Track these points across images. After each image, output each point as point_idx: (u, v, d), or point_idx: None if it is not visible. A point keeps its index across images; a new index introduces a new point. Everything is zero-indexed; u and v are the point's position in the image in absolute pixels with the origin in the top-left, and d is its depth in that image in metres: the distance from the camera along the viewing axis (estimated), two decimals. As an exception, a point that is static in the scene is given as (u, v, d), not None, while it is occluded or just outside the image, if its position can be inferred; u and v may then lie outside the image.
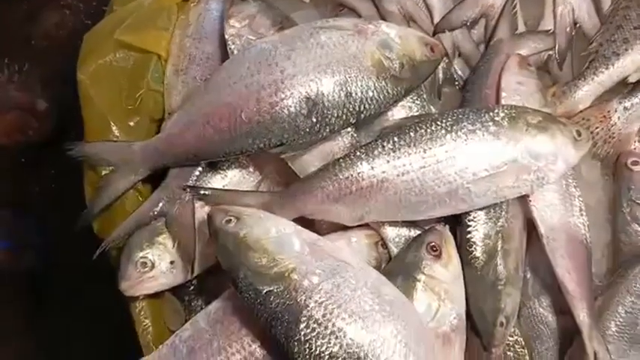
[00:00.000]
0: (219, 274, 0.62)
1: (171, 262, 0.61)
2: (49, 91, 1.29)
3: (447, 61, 0.77)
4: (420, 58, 0.63)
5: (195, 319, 0.57)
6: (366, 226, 0.64)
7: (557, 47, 0.78)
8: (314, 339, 0.50)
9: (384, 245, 0.63)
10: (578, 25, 0.78)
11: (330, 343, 0.50)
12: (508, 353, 0.64)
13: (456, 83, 0.77)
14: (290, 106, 0.57)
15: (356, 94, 0.59)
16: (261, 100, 0.57)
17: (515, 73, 0.73)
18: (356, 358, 0.49)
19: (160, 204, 0.61)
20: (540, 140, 0.60)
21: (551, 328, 0.64)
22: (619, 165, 0.73)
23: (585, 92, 0.74)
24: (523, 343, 0.65)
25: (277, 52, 0.59)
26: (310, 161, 0.63)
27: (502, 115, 0.61)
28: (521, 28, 0.82)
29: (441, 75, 0.76)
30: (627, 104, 0.74)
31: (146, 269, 0.60)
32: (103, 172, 0.63)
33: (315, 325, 0.50)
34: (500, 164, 0.59)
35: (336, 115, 0.58)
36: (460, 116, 0.61)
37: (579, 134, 0.63)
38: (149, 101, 0.68)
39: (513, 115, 0.61)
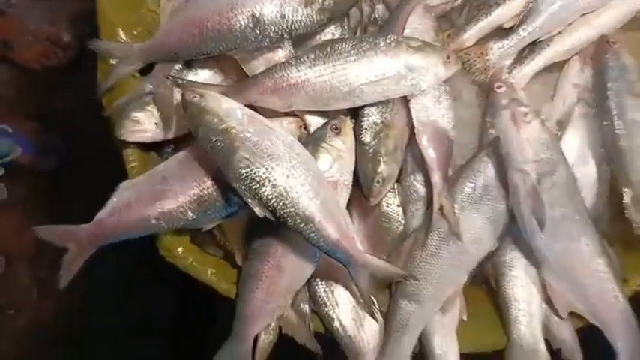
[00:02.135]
0: (189, 141, 0.90)
1: (156, 124, 0.88)
2: (73, 25, 1.56)
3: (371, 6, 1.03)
4: (334, -1, 0.88)
5: (169, 160, 0.85)
6: (294, 115, 0.90)
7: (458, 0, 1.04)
8: (243, 168, 0.76)
9: (306, 128, 0.89)
10: (475, -17, 1.04)
11: (253, 171, 0.76)
12: (387, 209, 0.91)
13: (379, 23, 1.03)
14: (240, 21, 0.83)
15: (288, 16, 0.84)
16: (222, 15, 0.83)
17: (420, 16, 0.98)
18: (271, 180, 0.76)
19: (150, 86, 0.88)
20: (416, 57, 0.85)
21: (420, 195, 0.90)
22: (489, 88, 0.99)
23: (470, 34, 0.98)
24: (399, 203, 0.92)
25: (235, -17, 0.85)
26: (257, 64, 0.89)
27: (391, 39, 0.86)
28: (433, -16, 1.08)
29: (365, 17, 1.02)
30: (500, 45, 0.98)
31: (137, 124, 0.87)
32: (111, 62, 0.88)
33: (245, 160, 0.76)
34: (385, 72, 0.85)
35: (273, 30, 0.84)
36: (363, 39, 0.87)
37: (449, 58, 0.88)
38: (147, 17, 0.94)
39: (400, 40, 0.86)
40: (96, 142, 1.09)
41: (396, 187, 0.92)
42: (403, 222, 0.91)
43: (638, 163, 0.86)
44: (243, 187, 0.77)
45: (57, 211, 1.43)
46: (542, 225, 0.81)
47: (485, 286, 0.94)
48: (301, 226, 0.77)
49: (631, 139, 0.88)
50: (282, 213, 0.77)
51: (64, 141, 1.51)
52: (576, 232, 0.82)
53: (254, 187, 0.76)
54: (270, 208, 0.77)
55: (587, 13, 0.98)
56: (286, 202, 0.76)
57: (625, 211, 0.87)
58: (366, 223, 0.91)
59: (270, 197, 0.76)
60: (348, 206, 0.91)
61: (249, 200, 0.77)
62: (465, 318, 0.90)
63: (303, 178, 0.78)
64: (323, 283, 0.88)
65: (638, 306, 0.88)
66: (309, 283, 0.88)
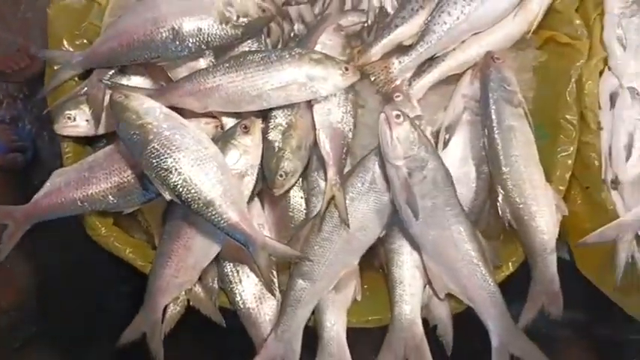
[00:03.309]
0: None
1: (87, 120, 1.01)
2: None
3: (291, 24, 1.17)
4: (253, 15, 1.01)
5: (97, 152, 0.98)
6: (213, 116, 1.03)
7: (367, 21, 1.17)
8: (154, 158, 0.89)
9: (222, 127, 1.02)
10: (382, 6, 1.17)
11: (162, 161, 0.89)
12: (292, 200, 1.03)
13: (297, 39, 1.16)
14: (162, 33, 0.97)
15: (205, 31, 0.98)
16: (146, 28, 0.97)
17: (331, 34, 1.11)
18: (177, 168, 0.88)
19: (85, 88, 1.01)
20: (317, 69, 0.98)
21: (322, 189, 1.01)
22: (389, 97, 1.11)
23: (375, 50, 1.11)
24: (302, 195, 1.03)
25: (159, 1, 0.98)
26: (181, 71, 1.03)
27: (296, 52, 0.99)
28: (348, 6, 1.21)
29: (285, 33, 1.16)
30: (401, 59, 1.11)
31: (70, 120, 1.00)
32: (56, 68, 1.02)
33: (156, 151, 0.89)
34: (289, 80, 0.98)
35: (191, 42, 0.98)
36: (271, 52, 1.00)
37: (347, 70, 1.00)
38: (90, 30, 1.09)
39: (303, 53, 0.99)
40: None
41: (301, 181, 1.05)
42: (305, 212, 1.03)
43: (512, 166, 0.99)
44: (153, 175, 0.90)
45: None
46: (415, 214, 0.92)
47: (382, 271, 1.06)
48: (204, 209, 0.89)
49: (506, 143, 1.00)
50: (186, 197, 0.89)
51: (32, 140, 1.65)
52: (447, 220, 0.94)
53: (163, 174, 0.89)
54: (176, 193, 0.89)
55: (479, 32, 1.12)
56: (190, 187, 0.89)
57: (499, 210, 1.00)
58: (274, 212, 1.04)
59: (176, 183, 0.89)
60: (260, 197, 1.05)
61: (159, 185, 0.90)
62: (359, 298, 1.01)
63: (207, 168, 0.90)
64: (230, 263, 1.00)
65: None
66: (218, 264, 1.00)
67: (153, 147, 0.90)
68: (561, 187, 1.00)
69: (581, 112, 1.04)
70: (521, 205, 0.97)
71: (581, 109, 1.04)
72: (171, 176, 0.89)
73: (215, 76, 0.99)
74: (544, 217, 0.96)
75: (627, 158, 0.99)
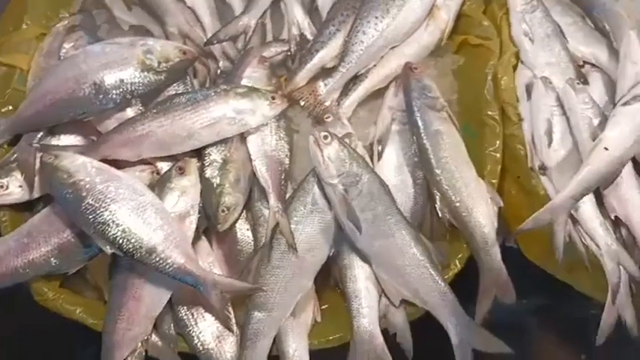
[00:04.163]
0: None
1: (20, 186, 1.00)
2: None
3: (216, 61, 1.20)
4: (174, 59, 1.03)
5: (34, 217, 0.97)
6: (148, 162, 1.03)
7: (290, 49, 1.20)
8: (90, 214, 0.89)
9: (158, 173, 1.02)
10: (302, 33, 1.21)
11: (98, 215, 0.89)
12: (239, 234, 1.04)
13: (223, 76, 1.19)
14: (85, 90, 0.98)
15: (127, 81, 1.00)
16: (69, 87, 0.98)
17: (255, 67, 1.14)
18: (115, 220, 0.88)
19: (15, 154, 1.01)
20: (243, 102, 1.01)
21: (266, 217, 1.03)
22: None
23: (301, 76, 1.15)
24: (248, 227, 1.04)
25: (79, 60, 1.00)
26: (109, 123, 1.03)
27: (220, 89, 1.01)
28: (269, 37, 1.25)
29: (212, 71, 1.18)
30: (327, 82, 1.15)
31: (2, 188, 0.99)
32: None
33: (91, 206, 0.89)
34: (217, 117, 1.00)
35: (115, 94, 1.00)
36: (197, 92, 1.03)
37: (274, 99, 1.03)
38: (15, 96, 1.09)
39: (228, 89, 1.02)
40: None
41: (245, 213, 1.06)
42: (253, 243, 1.04)
43: (443, 167, 1.02)
44: (92, 230, 0.90)
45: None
46: (358, 228, 0.95)
47: (338, 288, 1.07)
48: (147, 257, 0.89)
49: (435, 147, 1.03)
50: (128, 248, 0.89)
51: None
52: (390, 229, 0.96)
53: (101, 228, 0.89)
54: (117, 245, 0.89)
55: (396, 46, 1.17)
56: (130, 238, 0.89)
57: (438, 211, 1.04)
58: (222, 248, 1.04)
59: (115, 235, 0.89)
60: (207, 235, 1.05)
61: (99, 240, 0.89)
62: (318, 319, 1.02)
63: (146, 216, 0.91)
64: (184, 307, 0.99)
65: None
66: (172, 309, 0.99)
67: (87, 203, 0.90)
68: (494, 181, 1.04)
69: (502, 107, 1.10)
70: (457, 204, 1.00)
71: (501, 104, 1.09)
72: (109, 229, 0.89)
73: (144, 123, 1.00)
74: (481, 211, 1.00)
75: (549, 144, 1.04)
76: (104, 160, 0.99)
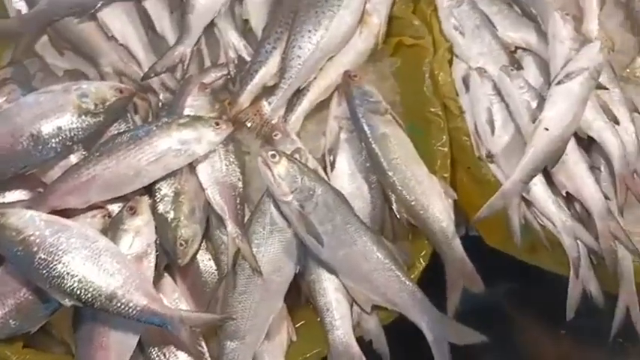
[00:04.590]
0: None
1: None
2: None
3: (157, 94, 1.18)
4: (111, 98, 1.02)
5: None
6: (98, 207, 1.01)
7: (229, 72, 1.20)
8: (43, 269, 0.86)
9: (110, 216, 1.00)
10: (239, 55, 1.22)
11: (52, 269, 0.86)
12: (201, 265, 1.02)
13: (166, 108, 1.18)
14: (22, 143, 0.96)
15: (65, 128, 0.98)
16: (5, 142, 0.96)
17: (196, 95, 1.13)
18: (69, 272, 0.86)
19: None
20: (186, 132, 1.00)
21: (227, 244, 1.02)
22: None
23: (244, 98, 1.15)
24: (211, 256, 1.03)
25: (12, 113, 0.98)
26: (54, 173, 1.01)
27: (162, 122, 1.01)
28: (207, 63, 1.25)
29: (153, 105, 1.17)
30: (270, 100, 1.15)
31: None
32: None
33: (43, 261, 0.86)
34: (163, 151, 0.99)
35: (55, 142, 0.98)
36: (138, 129, 1.01)
37: (218, 124, 1.02)
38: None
39: (169, 121, 1.01)
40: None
41: (205, 243, 1.04)
42: (217, 272, 1.02)
43: (395, 169, 1.03)
44: (47, 285, 0.87)
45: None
46: (320, 241, 0.95)
47: (310, 303, 1.07)
48: (108, 304, 0.87)
49: (384, 150, 1.05)
50: (87, 298, 0.87)
51: None
52: (351, 237, 0.96)
53: (56, 282, 0.87)
54: (75, 297, 0.87)
55: (333, 56, 1.18)
56: (88, 287, 0.87)
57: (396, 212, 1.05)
58: (186, 282, 1.02)
59: (72, 287, 0.87)
60: (169, 270, 1.03)
61: (56, 294, 0.87)
62: (294, 339, 1.01)
63: (101, 262, 0.89)
64: (155, 347, 0.96)
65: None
66: (143, 351, 0.97)
67: (40, 258, 0.87)
68: (445, 175, 1.06)
69: (443, 102, 1.12)
70: (413, 203, 1.01)
71: (442, 99, 1.11)
72: (65, 281, 0.86)
73: (89, 167, 0.98)
74: (437, 207, 1.01)
75: (492, 132, 1.06)
76: (53, 211, 0.97)
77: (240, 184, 1.04)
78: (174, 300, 0.99)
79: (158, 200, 0.99)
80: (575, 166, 1.03)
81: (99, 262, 0.88)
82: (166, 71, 1.17)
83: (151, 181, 1.00)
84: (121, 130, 1.05)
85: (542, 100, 1.04)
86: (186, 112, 1.09)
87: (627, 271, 1.01)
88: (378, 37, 1.19)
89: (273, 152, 0.95)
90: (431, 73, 1.13)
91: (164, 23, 1.21)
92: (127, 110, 1.08)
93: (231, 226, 0.99)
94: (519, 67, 1.11)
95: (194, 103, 1.11)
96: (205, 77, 1.18)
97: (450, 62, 1.16)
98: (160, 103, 1.17)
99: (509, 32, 1.15)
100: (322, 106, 1.18)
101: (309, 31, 1.14)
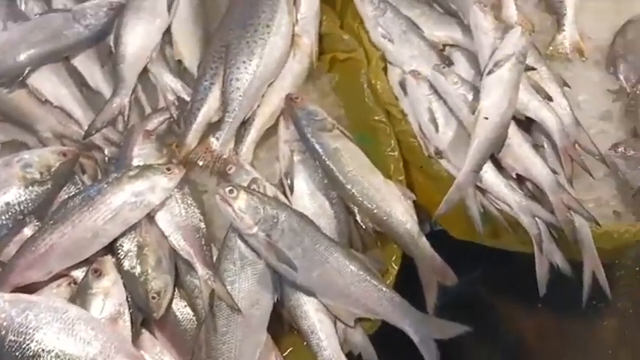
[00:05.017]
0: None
1: None
2: None
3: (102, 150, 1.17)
4: (56, 164, 1.00)
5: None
6: (63, 275, 0.99)
7: (172, 115, 1.20)
8: (16, 350, 0.84)
9: (75, 282, 0.98)
10: (178, 96, 1.21)
11: (25, 349, 0.83)
12: (178, 314, 1.01)
13: (113, 162, 1.16)
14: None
15: (13, 202, 0.96)
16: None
17: (141, 143, 1.12)
18: (44, 349, 0.83)
19: None
20: (139, 183, 0.99)
21: (200, 287, 1.01)
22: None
23: (190, 138, 1.14)
24: (186, 303, 1.02)
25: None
26: (10, 250, 0.98)
27: (112, 178, 0.99)
28: (148, 110, 1.23)
29: (100, 162, 1.15)
30: (217, 135, 1.15)
31: None
32: None
33: (15, 343, 0.84)
34: (118, 207, 0.97)
35: (5, 218, 0.96)
36: (89, 189, 0.99)
37: (169, 170, 1.02)
38: None
39: (119, 175, 1.00)
40: None
41: (178, 290, 1.03)
42: (195, 318, 1.01)
43: (352, 181, 1.05)
44: (22, 367, 0.84)
45: None
46: (292, 267, 0.95)
47: (294, 329, 1.07)
48: (89, 374, 0.86)
49: (338, 165, 1.07)
50: (66, 371, 0.85)
51: None
52: (322, 256, 0.97)
53: (32, 362, 0.84)
54: (54, 373, 0.85)
55: (272, 82, 1.20)
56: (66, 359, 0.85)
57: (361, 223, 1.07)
58: (166, 334, 1.00)
59: (49, 363, 0.85)
60: (147, 325, 1.01)
61: (32, 375, 0.84)
62: (283, 368, 1.02)
63: (75, 332, 0.87)
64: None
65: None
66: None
67: (10, 340, 0.84)
68: (400, 178, 1.09)
69: (386, 109, 1.15)
70: (375, 210, 1.04)
71: (384, 106, 1.14)
72: (41, 359, 0.84)
73: (45, 238, 0.96)
74: (398, 210, 1.04)
75: (436, 130, 1.10)
76: (16, 289, 0.94)
77: (202, 225, 1.04)
78: (157, 354, 0.97)
79: (122, 257, 0.98)
80: (519, 148, 1.08)
81: (73, 332, 0.86)
82: (107, 125, 1.16)
83: (112, 240, 0.98)
84: (72, 194, 1.03)
85: (477, 91, 1.08)
86: (135, 162, 1.09)
87: (587, 238, 1.06)
88: (312, 56, 1.22)
89: (230, 188, 0.95)
90: (369, 83, 1.16)
91: (97, 78, 1.20)
92: (74, 172, 1.06)
93: (201, 269, 0.98)
94: (450, 64, 1.15)
95: (141, 152, 1.10)
96: (148, 124, 1.17)
97: (385, 70, 1.19)
98: (107, 159, 1.16)
99: (434, 32, 1.19)
100: (270, 132, 1.19)
101: (244, 62, 1.15)
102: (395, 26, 1.19)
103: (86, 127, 1.15)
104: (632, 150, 1.12)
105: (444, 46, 1.20)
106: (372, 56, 1.19)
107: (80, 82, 1.21)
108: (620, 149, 1.12)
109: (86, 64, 1.20)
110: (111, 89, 1.18)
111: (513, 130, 1.08)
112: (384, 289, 1.00)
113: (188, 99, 1.18)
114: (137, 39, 1.18)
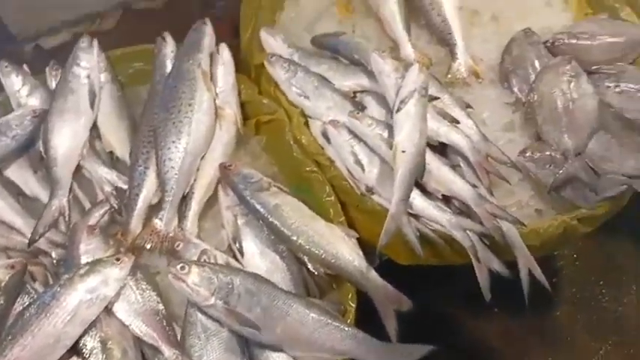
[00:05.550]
0: None
1: None
2: None
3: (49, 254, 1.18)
4: (5, 277, 1.01)
5: None
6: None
7: (113, 205, 1.22)
8: None
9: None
10: (116, 186, 1.26)
11: None
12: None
13: (62, 264, 1.17)
14: None
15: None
16: None
17: (87, 239, 1.14)
18: None
19: None
20: (91, 279, 1.01)
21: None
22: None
23: (134, 224, 1.18)
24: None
25: None
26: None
27: (64, 279, 1.01)
28: (87, 206, 1.26)
29: (48, 265, 1.16)
30: (160, 216, 1.18)
31: None
32: None
33: None
34: (74, 307, 0.99)
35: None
36: (43, 296, 1.00)
37: (118, 260, 1.05)
38: None
39: (70, 276, 1.02)
40: None
41: (149, 376, 1.05)
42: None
43: (297, 233, 1.11)
44: None
45: None
46: (255, 327, 0.99)
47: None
48: None
49: (281, 219, 1.13)
50: None
51: None
52: (282, 311, 1.01)
53: None
54: None
55: (204, 155, 1.26)
56: None
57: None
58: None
59: None
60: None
61: None
62: None
63: None
64: None
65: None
66: None
67: None
68: (341, 219, 1.17)
69: (315, 159, 1.24)
70: (323, 255, 1.10)
71: (312, 157, 1.23)
72: None
73: (6, 355, 0.96)
74: (344, 250, 1.10)
75: (363, 170, 1.19)
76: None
77: (161, 307, 1.06)
78: None
79: (87, 355, 0.98)
80: (439, 171, 1.18)
81: None
82: (50, 229, 1.18)
83: (74, 341, 0.99)
84: (26, 304, 1.03)
85: (390, 128, 1.18)
86: (84, 260, 1.11)
87: (516, 239, 1.15)
88: (237, 124, 1.29)
89: (181, 264, 0.99)
90: (294, 139, 1.25)
91: (31, 184, 1.23)
92: (25, 282, 1.07)
93: (167, 350, 1.00)
94: (363, 108, 1.26)
95: (88, 248, 1.12)
96: (90, 219, 1.20)
97: (306, 124, 1.29)
98: (55, 262, 1.17)
99: (344, 82, 1.30)
100: (211, 201, 1.25)
101: (174, 142, 1.21)
102: (307, 84, 1.29)
103: (29, 235, 1.17)
104: (537, 152, 1.25)
105: (355, 93, 1.31)
106: (293, 114, 1.28)
107: (16, 191, 1.23)
108: (527, 154, 1.24)
109: (19, 173, 1.23)
110: (47, 193, 1.21)
111: (430, 156, 1.18)
112: (346, 328, 1.05)
113: (125, 187, 1.22)
114: (66, 140, 1.22)
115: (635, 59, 1.39)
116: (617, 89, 1.33)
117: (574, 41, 1.38)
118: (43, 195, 1.21)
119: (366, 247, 1.17)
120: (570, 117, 1.24)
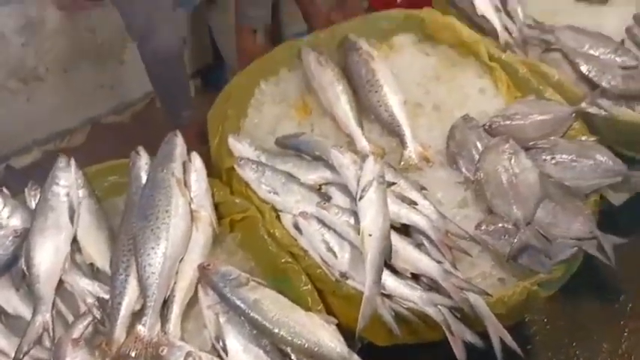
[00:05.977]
0: None
1: None
2: None
3: None
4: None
5: None
6: None
7: (95, 317, 1.25)
8: None
9: None
10: (98, 297, 1.29)
11: None
12: None
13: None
14: None
15: None
16: None
17: (70, 354, 1.15)
18: None
19: None
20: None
21: None
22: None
23: (118, 334, 1.19)
24: None
25: None
26: None
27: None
28: (70, 319, 1.27)
29: None
30: (143, 322, 1.20)
31: None
32: None
33: None
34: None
35: None
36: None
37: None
38: None
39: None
40: None
41: None
42: None
43: (278, 325, 1.14)
44: None
45: None
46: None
47: None
48: None
49: (261, 313, 1.16)
50: None
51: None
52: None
53: None
54: None
55: (183, 257, 1.31)
56: None
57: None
58: None
59: None
60: None
61: None
62: None
63: None
64: None
65: None
66: None
67: None
68: (319, 307, 1.22)
69: (289, 250, 1.31)
70: (306, 345, 1.13)
71: (286, 249, 1.31)
72: None
73: None
74: (326, 337, 1.14)
75: (335, 256, 1.26)
76: None
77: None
78: None
79: None
80: (405, 251, 1.26)
81: None
82: (34, 345, 1.18)
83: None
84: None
85: (356, 215, 1.28)
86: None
87: (484, 309, 1.22)
88: (213, 224, 1.36)
89: (166, 365, 1.01)
90: (268, 233, 1.32)
91: (14, 302, 1.24)
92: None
93: None
94: (329, 199, 1.36)
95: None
96: (74, 332, 1.21)
97: (278, 218, 1.37)
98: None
99: (309, 177, 1.41)
100: (192, 302, 1.28)
101: (153, 248, 1.26)
102: (276, 181, 1.39)
103: (13, 355, 1.17)
104: (492, 225, 1.36)
105: (320, 185, 1.41)
106: (265, 210, 1.37)
107: (-1, 311, 1.25)
108: (483, 227, 1.36)
109: (1, 293, 1.24)
110: (30, 310, 1.22)
111: (395, 237, 1.27)
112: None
113: (107, 297, 1.25)
114: (47, 256, 1.26)
115: (565, 133, 1.58)
116: (553, 161, 1.50)
117: (509, 122, 1.56)
118: (26, 313, 1.22)
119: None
120: (515, 190, 1.38)
